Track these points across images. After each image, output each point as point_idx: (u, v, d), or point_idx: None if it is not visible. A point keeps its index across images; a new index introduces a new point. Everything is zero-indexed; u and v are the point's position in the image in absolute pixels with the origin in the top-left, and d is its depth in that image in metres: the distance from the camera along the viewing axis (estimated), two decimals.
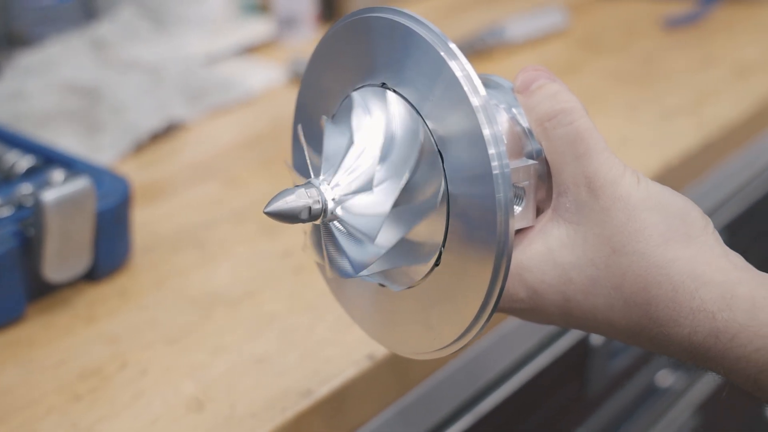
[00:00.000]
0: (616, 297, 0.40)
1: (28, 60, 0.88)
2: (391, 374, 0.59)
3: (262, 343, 0.59)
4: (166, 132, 0.85)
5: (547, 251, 0.41)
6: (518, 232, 0.42)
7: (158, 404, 0.54)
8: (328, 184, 0.39)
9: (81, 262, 0.61)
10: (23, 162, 0.66)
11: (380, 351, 0.58)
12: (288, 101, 0.92)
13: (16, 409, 0.53)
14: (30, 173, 0.66)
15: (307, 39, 1.06)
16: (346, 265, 0.40)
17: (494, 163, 0.37)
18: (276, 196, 0.39)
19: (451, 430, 0.65)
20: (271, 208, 0.38)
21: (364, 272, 0.40)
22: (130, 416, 0.53)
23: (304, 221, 0.39)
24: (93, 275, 0.63)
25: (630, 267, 0.39)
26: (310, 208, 0.39)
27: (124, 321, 0.61)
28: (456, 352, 0.42)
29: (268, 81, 0.96)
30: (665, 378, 0.92)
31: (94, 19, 0.99)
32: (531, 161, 0.42)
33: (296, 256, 0.68)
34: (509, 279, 0.41)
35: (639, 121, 0.86)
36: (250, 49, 1.03)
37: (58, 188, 0.58)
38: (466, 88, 0.37)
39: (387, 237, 0.40)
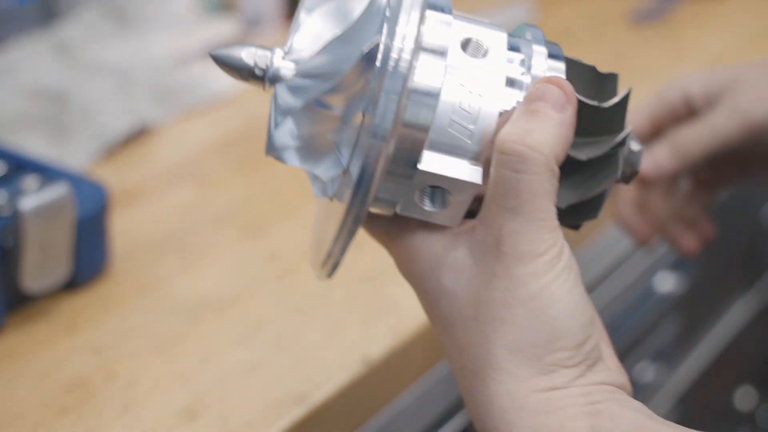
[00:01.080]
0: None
1: None
2: (386, 376, 0.58)
3: (253, 349, 0.57)
4: (138, 135, 0.83)
5: (460, 257, 0.38)
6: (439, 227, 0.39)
7: (149, 416, 0.52)
8: (283, 50, 0.39)
9: (60, 271, 0.59)
10: None
11: (373, 353, 0.57)
12: (259, 101, 0.91)
13: (0, 425, 0.51)
14: (1, 180, 0.64)
15: (272, 38, 1.04)
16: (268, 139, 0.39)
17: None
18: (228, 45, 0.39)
19: (445, 428, 0.65)
20: (215, 52, 0.39)
21: (274, 153, 0.39)
22: (120, 429, 0.51)
23: (244, 77, 0.39)
24: (72, 284, 0.61)
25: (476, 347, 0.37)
26: (254, 63, 0.38)
27: (108, 330, 0.59)
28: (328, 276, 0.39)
29: (237, 82, 0.94)
30: (645, 371, 0.92)
31: (56, 21, 0.96)
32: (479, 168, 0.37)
33: (281, 259, 0.66)
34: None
35: None
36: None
37: (36, 196, 0.56)
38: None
39: (292, 100, 0.38)
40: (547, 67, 0.39)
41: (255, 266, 0.66)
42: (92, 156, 0.79)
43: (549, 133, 0.36)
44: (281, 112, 0.39)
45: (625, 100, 0.39)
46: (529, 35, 0.40)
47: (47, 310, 0.60)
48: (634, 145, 0.41)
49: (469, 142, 0.37)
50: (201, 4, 1.02)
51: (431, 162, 0.37)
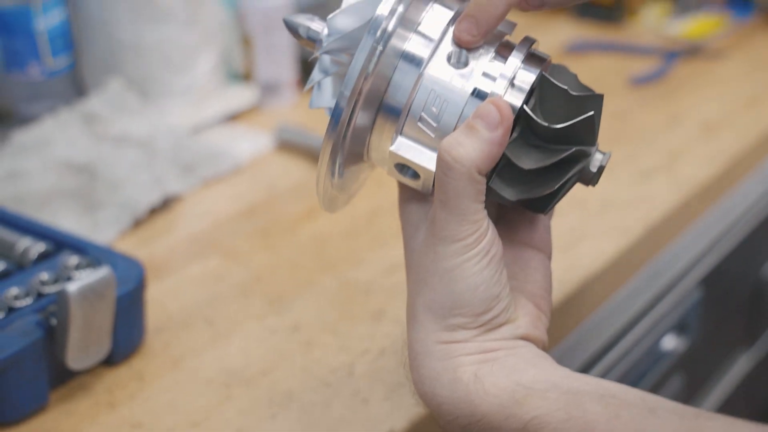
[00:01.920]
0: None
1: (22, 138, 0.90)
2: None
3: (283, 424, 0.61)
4: (162, 205, 0.87)
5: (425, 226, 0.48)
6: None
7: None
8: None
9: (102, 349, 0.63)
10: (36, 248, 0.68)
11: (400, 426, 0.60)
12: (278, 169, 0.95)
13: None
14: (42, 258, 0.68)
15: (289, 104, 1.08)
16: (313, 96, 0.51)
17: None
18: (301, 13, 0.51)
19: None
20: (287, 17, 0.50)
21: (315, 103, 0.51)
22: None
23: (303, 39, 0.50)
24: (110, 359, 0.65)
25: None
26: (308, 27, 0.50)
27: (145, 405, 0.62)
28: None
29: (256, 149, 0.98)
30: None
31: (84, 93, 1.00)
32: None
33: (305, 330, 0.70)
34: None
35: (617, 182, 0.90)
36: (235, 117, 1.06)
37: (81, 279, 0.60)
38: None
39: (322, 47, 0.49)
40: (510, 83, 0.47)
41: (280, 338, 0.69)
42: (121, 229, 0.82)
43: (474, 148, 0.44)
44: (318, 57, 0.50)
45: (582, 122, 0.46)
46: (520, 46, 0.48)
47: (87, 385, 0.64)
48: (595, 160, 0.48)
49: (433, 136, 0.47)
50: (220, 74, 1.06)
51: (400, 146, 0.48)
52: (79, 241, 0.69)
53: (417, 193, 0.50)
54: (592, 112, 0.46)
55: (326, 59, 0.50)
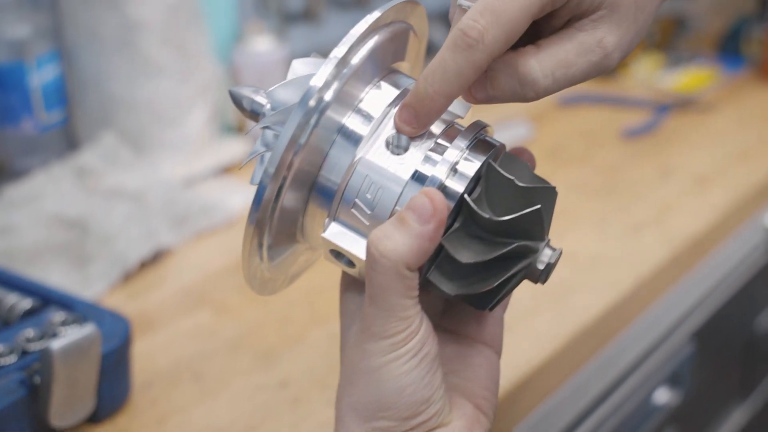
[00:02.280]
0: None
1: (13, 192, 0.90)
2: None
3: None
4: (153, 259, 0.87)
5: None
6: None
7: None
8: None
9: (86, 407, 0.62)
10: (22, 304, 0.68)
11: None
12: None
13: None
14: (28, 315, 0.68)
15: None
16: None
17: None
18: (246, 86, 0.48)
19: None
20: (232, 89, 0.48)
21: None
22: None
23: (246, 112, 0.47)
24: (94, 417, 0.64)
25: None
26: (252, 99, 0.47)
27: None
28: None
29: (248, 202, 0.98)
30: None
31: (77, 147, 1.01)
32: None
33: (293, 386, 0.69)
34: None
35: (607, 236, 0.90)
36: (227, 169, 1.06)
37: (65, 336, 0.60)
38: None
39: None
40: (452, 170, 0.44)
41: (268, 395, 0.69)
42: (111, 283, 0.82)
43: (402, 242, 0.41)
44: (257, 129, 0.47)
45: (528, 215, 0.43)
46: (467, 131, 0.45)
47: None
48: (543, 256, 0.44)
49: (367, 223, 0.44)
50: (213, 127, 1.07)
51: (332, 232, 0.45)
52: (67, 297, 0.69)
53: (357, 281, 0.47)
54: (539, 206, 0.43)
55: (269, 134, 0.46)
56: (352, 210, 0.44)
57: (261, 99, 0.47)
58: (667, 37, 1.42)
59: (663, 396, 0.92)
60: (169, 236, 0.89)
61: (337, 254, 0.45)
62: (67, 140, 1.01)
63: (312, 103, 0.41)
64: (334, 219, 0.45)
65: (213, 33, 1.08)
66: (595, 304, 0.79)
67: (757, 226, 1.04)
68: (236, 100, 0.48)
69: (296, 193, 0.44)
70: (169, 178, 0.98)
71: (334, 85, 0.42)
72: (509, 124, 1.14)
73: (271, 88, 0.46)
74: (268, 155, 0.45)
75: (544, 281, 0.45)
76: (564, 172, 1.05)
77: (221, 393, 0.69)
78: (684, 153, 1.10)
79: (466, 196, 0.43)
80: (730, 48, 1.39)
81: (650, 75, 1.32)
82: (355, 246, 0.44)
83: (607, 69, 0.45)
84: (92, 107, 1.00)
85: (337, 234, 0.44)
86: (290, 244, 0.47)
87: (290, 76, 0.46)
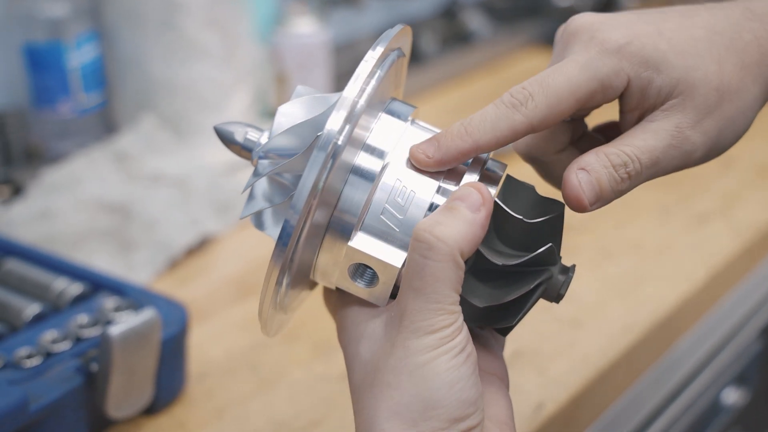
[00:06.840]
0: None
1: (52, 176, 0.86)
2: None
3: None
4: (199, 246, 0.83)
5: (377, 330, 0.42)
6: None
7: None
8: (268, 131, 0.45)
9: (144, 397, 0.58)
10: (72, 289, 0.64)
11: None
12: None
13: None
14: (78, 300, 0.64)
15: None
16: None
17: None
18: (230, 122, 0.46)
19: None
20: (216, 125, 0.46)
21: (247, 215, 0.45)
22: None
23: (238, 147, 0.45)
24: (151, 408, 0.61)
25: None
26: (244, 138, 0.45)
27: None
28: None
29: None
30: None
31: (114, 131, 0.97)
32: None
33: None
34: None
35: (673, 227, 0.86)
36: None
37: (123, 322, 0.56)
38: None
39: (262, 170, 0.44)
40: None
41: (329, 387, 0.65)
42: (158, 270, 0.78)
43: (457, 228, 0.40)
44: (254, 176, 0.44)
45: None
46: (472, 167, 0.44)
47: None
48: (564, 270, 0.43)
49: (397, 230, 0.42)
50: (254, 112, 1.03)
51: (361, 241, 0.42)
52: (117, 282, 0.65)
53: (361, 305, 0.44)
54: (550, 245, 0.42)
55: (264, 163, 0.44)
56: (381, 216, 0.42)
57: (253, 135, 0.45)
58: None
59: (730, 396, 0.88)
60: (213, 223, 0.86)
61: (357, 269, 0.43)
62: (105, 124, 0.97)
63: (329, 150, 0.40)
64: (361, 228, 0.42)
65: (254, 15, 1.04)
66: (669, 295, 0.75)
67: None
68: (225, 136, 0.46)
69: (314, 233, 0.42)
70: (210, 164, 0.94)
71: (346, 129, 0.40)
72: None
73: (273, 136, 0.44)
74: (260, 184, 0.44)
75: (560, 299, 0.44)
76: None
77: (279, 385, 0.65)
78: (744, 144, 1.05)
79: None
80: None
81: None
82: (386, 253, 0.42)
83: (689, 156, 0.45)
84: (131, 90, 0.96)
85: (365, 241, 0.42)
86: (302, 283, 0.45)
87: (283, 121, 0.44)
